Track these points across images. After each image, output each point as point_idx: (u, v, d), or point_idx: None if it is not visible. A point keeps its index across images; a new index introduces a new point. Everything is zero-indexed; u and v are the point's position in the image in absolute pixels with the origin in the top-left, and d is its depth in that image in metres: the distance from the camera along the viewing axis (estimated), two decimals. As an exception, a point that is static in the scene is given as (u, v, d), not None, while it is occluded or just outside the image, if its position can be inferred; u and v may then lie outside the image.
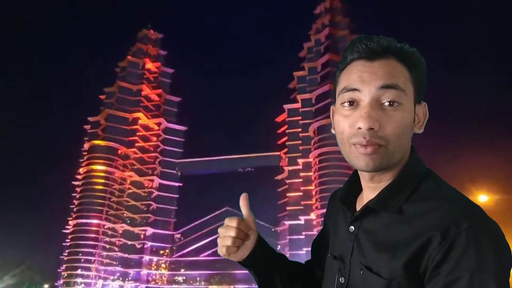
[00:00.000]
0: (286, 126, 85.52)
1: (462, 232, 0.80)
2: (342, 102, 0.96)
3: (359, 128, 0.90)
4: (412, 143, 1.00)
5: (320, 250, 1.18)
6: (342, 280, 1.00)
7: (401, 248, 0.87)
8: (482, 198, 19.92)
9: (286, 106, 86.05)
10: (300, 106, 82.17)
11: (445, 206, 0.86)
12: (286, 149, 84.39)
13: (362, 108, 0.92)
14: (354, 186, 1.10)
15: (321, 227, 1.27)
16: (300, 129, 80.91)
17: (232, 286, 79.61)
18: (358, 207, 1.06)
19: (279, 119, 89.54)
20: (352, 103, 0.94)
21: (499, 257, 0.80)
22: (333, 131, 1.03)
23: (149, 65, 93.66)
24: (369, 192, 1.02)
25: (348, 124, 0.94)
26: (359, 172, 1.04)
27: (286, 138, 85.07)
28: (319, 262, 1.18)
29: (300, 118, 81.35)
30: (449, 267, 0.80)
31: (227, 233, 1.10)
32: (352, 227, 1.01)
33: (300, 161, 78.99)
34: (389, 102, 0.91)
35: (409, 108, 0.94)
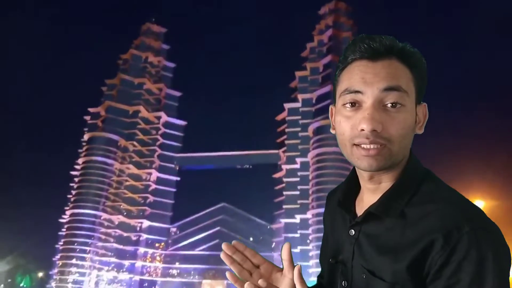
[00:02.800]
0: (285, 125, 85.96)
1: (464, 236, 0.81)
2: (343, 103, 0.95)
3: (362, 130, 0.90)
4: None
5: (328, 259, 1.13)
6: (344, 283, 1.00)
7: (404, 251, 0.87)
8: (479, 203, 20.38)
9: (287, 105, 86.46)
10: (300, 106, 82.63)
11: (446, 209, 0.86)
12: (284, 148, 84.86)
13: (365, 110, 0.91)
14: (351, 186, 1.08)
15: (321, 226, 1.23)
16: (299, 129, 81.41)
17: (225, 281, 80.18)
18: (357, 209, 1.05)
19: (279, 117, 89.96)
20: (354, 104, 0.93)
21: (499, 260, 0.81)
22: (332, 131, 1.02)
23: (152, 58, 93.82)
24: (368, 194, 1.01)
25: (350, 125, 0.93)
26: (358, 173, 1.03)
27: (285, 136, 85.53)
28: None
29: (300, 117, 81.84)
30: (450, 270, 0.81)
31: None
32: (353, 230, 1.00)
33: (298, 160, 79.49)
34: (392, 103, 0.91)
35: (411, 109, 0.93)
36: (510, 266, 0.83)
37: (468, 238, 0.81)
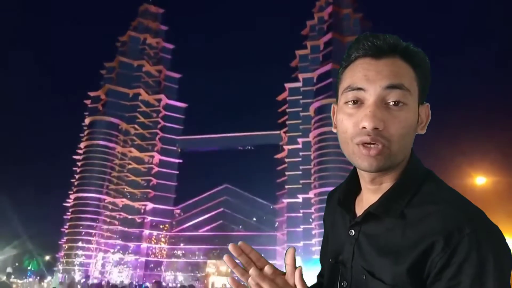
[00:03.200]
0: (287, 105, 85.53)
1: (465, 237, 0.80)
2: (346, 100, 0.94)
3: (364, 127, 0.89)
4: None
5: (328, 259, 1.11)
6: (344, 284, 0.99)
7: (404, 253, 0.86)
8: (480, 180, 20.34)
9: (287, 85, 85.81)
10: (301, 85, 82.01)
11: (447, 210, 0.85)
12: (286, 128, 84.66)
13: (367, 107, 0.90)
14: (352, 186, 1.07)
15: (322, 229, 1.24)
16: (300, 108, 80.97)
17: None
18: (357, 209, 1.04)
19: (280, 97, 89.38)
20: (356, 102, 0.92)
21: (499, 262, 0.80)
22: (334, 130, 1.01)
23: (150, 40, 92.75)
24: (369, 194, 1.00)
25: (352, 123, 0.92)
26: (359, 173, 1.02)
27: (286, 117, 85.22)
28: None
29: (301, 97, 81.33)
30: (450, 272, 0.80)
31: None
32: (353, 230, 0.99)
33: (300, 140, 79.39)
34: (394, 102, 0.89)
35: (413, 108, 0.92)
36: (511, 267, 0.82)
37: (469, 240, 0.80)
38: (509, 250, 0.83)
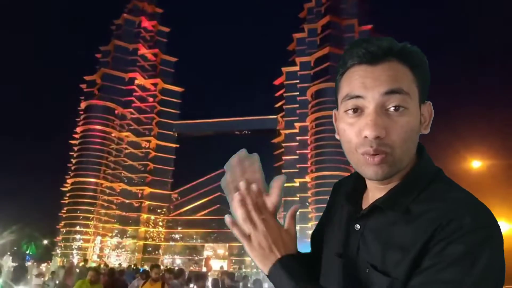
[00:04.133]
0: (284, 89, 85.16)
1: (463, 226, 0.80)
2: (346, 109, 0.93)
3: (366, 136, 0.88)
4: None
5: (319, 244, 1.11)
6: (347, 277, 0.98)
7: (408, 246, 0.86)
8: (476, 164, 20.42)
9: (285, 69, 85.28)
10: (298, 69, 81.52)
11: (452, 206, 0.84)
12: (283, 113, 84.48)
13: (367, 116, 0.89)
14: (360, 182, 1.06)
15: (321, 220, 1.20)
16: (297, 93, 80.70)
17: (227, 244, 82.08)
18: (364, 205, 1.03)
19: (277, 82, 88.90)
20: (356, 110, 0.91)
21: (494, 254, 0.80)
22: (337, 137, 1.00)
23: (145, 23, 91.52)
24: (375, 191, 0.99)
25: (354, 132, 0.91)
26: None
27: (283, 101, 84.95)
28: (318, 256, 1.11)
29: (298, 81, 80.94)
30: (439, 249, 0.81)
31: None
32: (358, 225, 0.99)
33: (297, 124, 79.34)
34: (395, 107, 0.88)
35: (414, 111, 0.91)
36: (500, 269, 0.81)
37: (468, 228, 0.80)
38: (503, 254, 0.82)
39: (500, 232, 0.83)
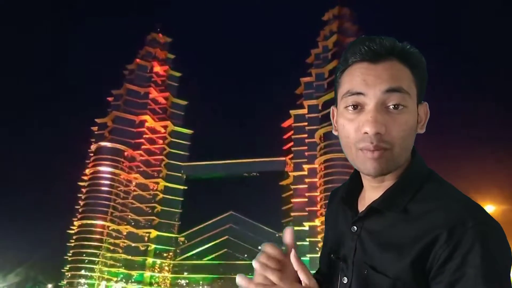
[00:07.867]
0: (292, 132, 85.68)
1: (468, 230, 0.81)
2: (346, 105, 0.95)
3: (365, 132, 0.90)
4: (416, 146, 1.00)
5: (329, 256, 1.11)
6: (345, 280, 0.98)
7: (407, 247, 0.86)
8: (489, 208, 19.91)
9: (293, 112, 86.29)
10: (306, 112, 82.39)
11: (450, 205, 0.86)
12: (291, 155, 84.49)
13: (368, 113, 0.91)
14: (355, 184, 1.08)
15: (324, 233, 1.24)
16: (306, 135, 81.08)
17: (234, 291, 79.51)
18: (360, 207, 1.05)
19: (285, 124, 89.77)
20: (356, 106, 0.93)
21: (503, 255, 0.82)
22: (335, 133, 1.03)
23: (157, 68, 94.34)
24: (371, 191, 1.01)
25: (353, 128, 0.93)
26: (361, 172, 1.02)
27: (291, 143, 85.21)
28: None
29: (306, 124, 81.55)
30: (455, 264, 0.80)
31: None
32: (355, 227, 1.00)
33: (306, 167, 79.02)
34: (394, 105, 0.91)
35: (413, 110, 0.94)
36: (511, 263, 0.83)
37: (473, 232, 0.81)
38: (509, 246, 0.84)
39: (494, 221, 0.85)
